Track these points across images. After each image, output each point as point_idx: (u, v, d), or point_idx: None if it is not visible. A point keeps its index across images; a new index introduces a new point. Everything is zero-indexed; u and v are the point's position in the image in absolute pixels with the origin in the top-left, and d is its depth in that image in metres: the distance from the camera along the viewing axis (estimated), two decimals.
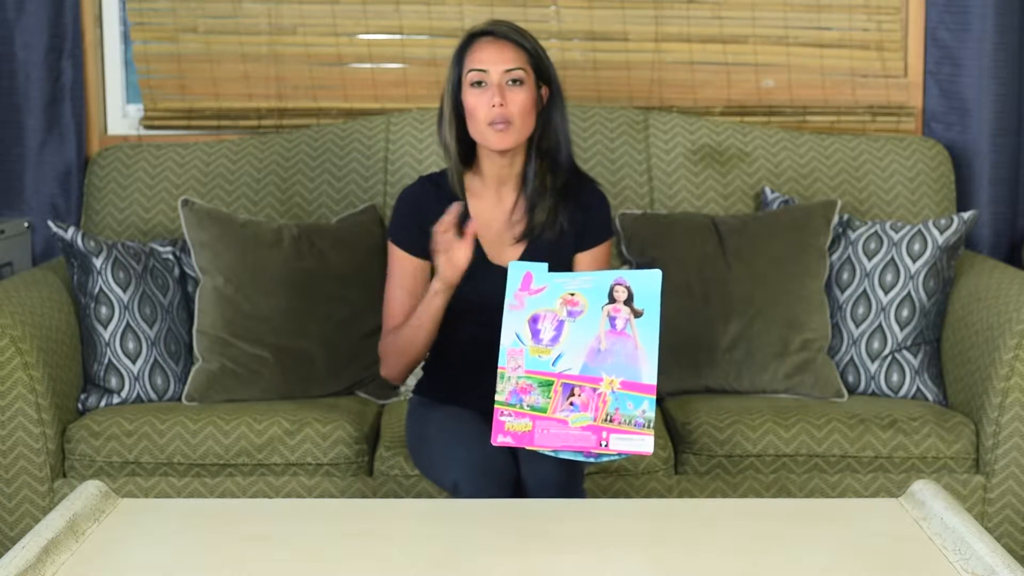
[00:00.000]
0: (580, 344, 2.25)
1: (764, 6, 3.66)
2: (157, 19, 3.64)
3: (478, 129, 2.60)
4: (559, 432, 2.22)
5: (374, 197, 3.40)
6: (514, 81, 2.58)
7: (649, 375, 2.23)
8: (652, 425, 2.21)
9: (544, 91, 2.65)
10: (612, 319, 2.26)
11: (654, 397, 2.22)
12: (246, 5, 3.64)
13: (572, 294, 2.28)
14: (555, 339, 2.26)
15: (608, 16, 3.65)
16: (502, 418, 2.25)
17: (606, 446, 2.22)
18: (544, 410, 2.24)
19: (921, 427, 2.89)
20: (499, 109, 2.56)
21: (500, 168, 2.66)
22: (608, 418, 2.22)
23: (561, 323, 2.27)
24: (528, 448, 2.25)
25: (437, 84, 3.64)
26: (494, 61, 2.58)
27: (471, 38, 2.63)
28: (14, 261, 3.46)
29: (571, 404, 2.24)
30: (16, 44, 3.53)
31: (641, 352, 2.23)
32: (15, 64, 3.54)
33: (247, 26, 3.64)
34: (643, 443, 2.21)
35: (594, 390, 2.24)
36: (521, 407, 2.24)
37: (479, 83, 2.59)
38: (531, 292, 2.29)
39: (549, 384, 2.24)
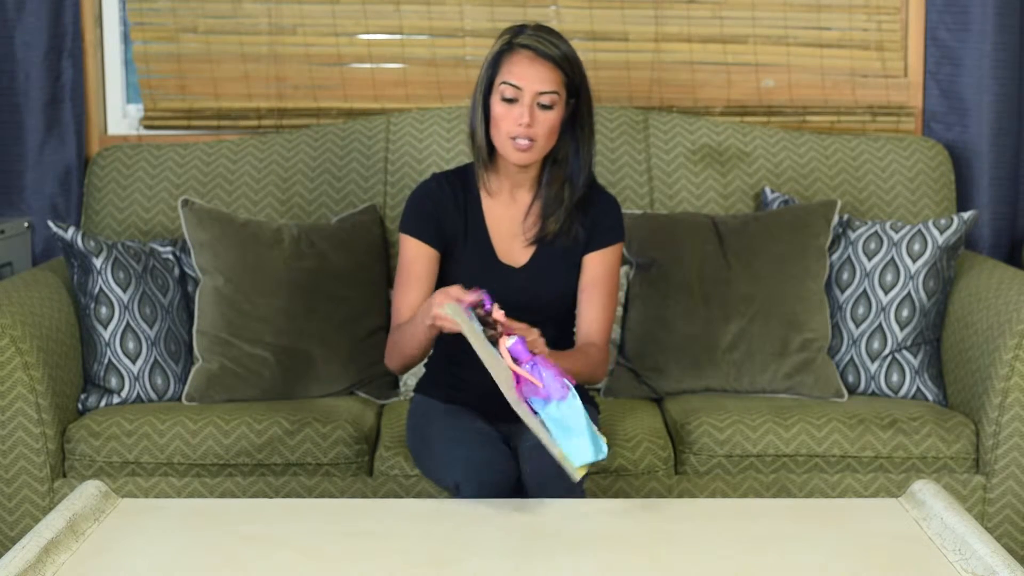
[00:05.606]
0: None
1: (764, 6, 3.66)
2: (157, 19, 3.64)
3: (500, 139, 2.60)
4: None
5: (374, 197, 3.40)
6: (545, 105, 2.57)
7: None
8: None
9: (571, 103, 2.63)
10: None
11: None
12: (246, 5, 3.64)
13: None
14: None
15: (608, 16, 3.65)
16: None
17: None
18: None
19: (921, 427, 2.89)
20: (525, 129, 2.56)
21: (516, 173, 2.67)
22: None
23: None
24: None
25: (437, 84, 3.65)
26: (530, 80, 2.56)
27: (511, 45, 2.59)
28: (14, 261, 3.46)
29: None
30: (16, 44, 3.53)
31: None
32: (15, 64, 3.54)
33: (247, 26, 3.64)
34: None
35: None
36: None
37: (511, 98, 2.57)
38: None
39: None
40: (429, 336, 2.51)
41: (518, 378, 2.24)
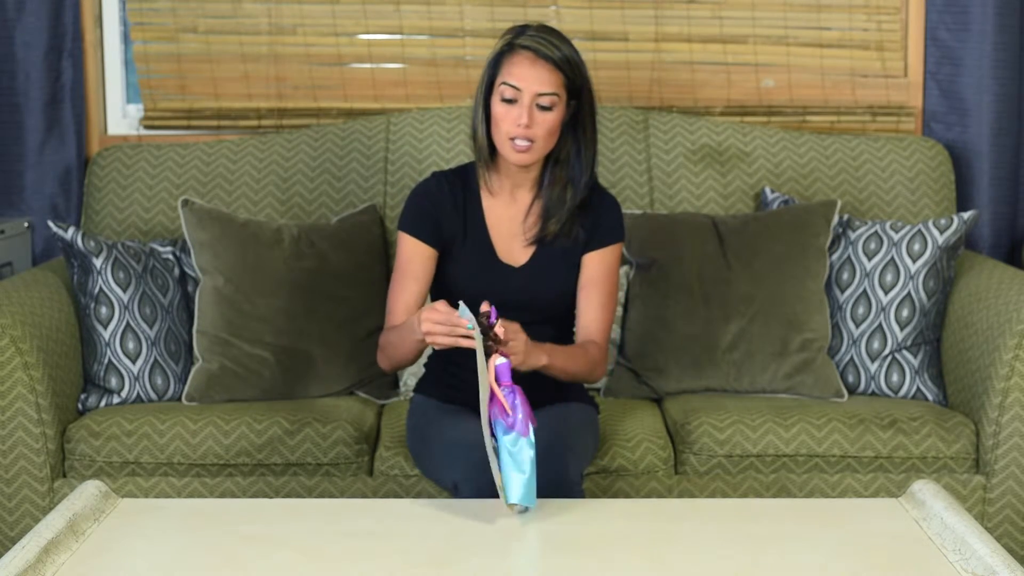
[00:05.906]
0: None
1: (764, 6, 3.66)
2: (157, 19, 3.64)
3: (500, 139, 2.60)
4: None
5: (374, 197, 3.40)
6: (544, 106, 2.57)
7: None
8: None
9: (572, 104, 2.63)
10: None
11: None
12: (246, 5, 3.64)
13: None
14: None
15: (608, 16, 3.65)
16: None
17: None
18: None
19: (921, 427, 2.89)
20: (524, 130, 2.56)
21: (517, 172, 2.67)
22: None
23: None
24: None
25: (437, 84, 3.65)
26: (529, 81, 2.55)
27: (512, 46, 2.58)
28: (14, 261, 3.46)
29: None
30: (16, 44, 3.53)
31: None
32: (15, 64, 3.54)
33: (247, 26, 3.65)
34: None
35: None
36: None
37: (510, 99, 2.57)
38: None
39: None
40: (418, 348, 2.52)
41: (492, 396, 2.24)
